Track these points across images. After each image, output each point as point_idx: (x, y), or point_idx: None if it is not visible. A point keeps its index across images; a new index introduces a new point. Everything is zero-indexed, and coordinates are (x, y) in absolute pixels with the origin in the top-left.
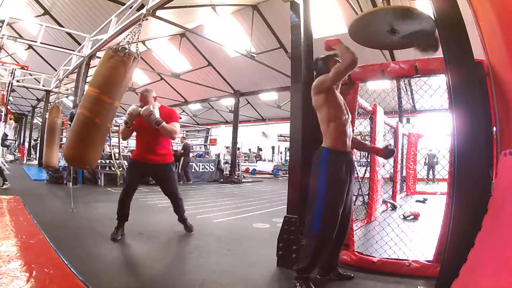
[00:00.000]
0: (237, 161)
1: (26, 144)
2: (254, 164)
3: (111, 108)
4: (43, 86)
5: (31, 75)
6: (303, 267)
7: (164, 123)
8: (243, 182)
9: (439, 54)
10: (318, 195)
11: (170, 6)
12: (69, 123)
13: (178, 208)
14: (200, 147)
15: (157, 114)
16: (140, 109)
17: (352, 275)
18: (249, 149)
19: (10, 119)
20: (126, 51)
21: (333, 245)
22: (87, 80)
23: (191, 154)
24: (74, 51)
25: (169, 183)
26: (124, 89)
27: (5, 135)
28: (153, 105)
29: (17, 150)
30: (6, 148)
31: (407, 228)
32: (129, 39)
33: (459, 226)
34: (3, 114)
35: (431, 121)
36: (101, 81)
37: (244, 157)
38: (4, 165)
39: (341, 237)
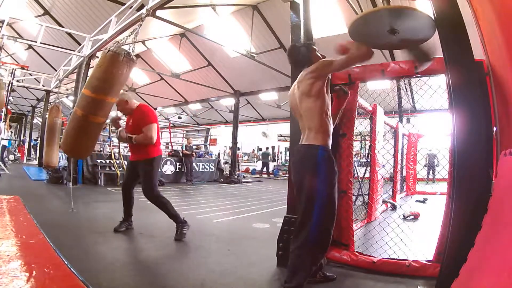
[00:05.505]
0: (239, 161)
1: (26, 144)
2: (254, 164)
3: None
4: (43, 86)
5: (31, 75)
6: (300, 282)
7: (134, 137)
8: (243, 182)
9: (439, 54)
10: (317, 201)
11: (170, 6)
12: None
13: (162, 209)
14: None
15: (123, 134)
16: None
17: (335, 276)
18: (253, 150)
19: (12, 131)
20: (130, 55)
21: None
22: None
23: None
24: (74, 51)
25: (142, 179)
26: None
27: (3, 147)
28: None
29: (17, 150)
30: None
31: (407, 228)
32: (132, 39)
33: (459, 226)
34: (3, 114)
35: (431, 121)
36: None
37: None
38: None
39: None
